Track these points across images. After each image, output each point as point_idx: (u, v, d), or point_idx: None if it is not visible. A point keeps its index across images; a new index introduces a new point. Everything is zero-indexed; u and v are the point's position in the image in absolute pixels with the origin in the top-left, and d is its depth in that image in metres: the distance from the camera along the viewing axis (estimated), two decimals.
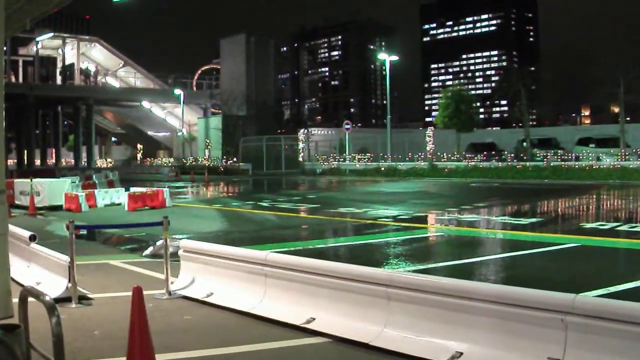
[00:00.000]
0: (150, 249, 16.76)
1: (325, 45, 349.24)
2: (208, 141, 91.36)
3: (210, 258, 12.02)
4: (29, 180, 33.72)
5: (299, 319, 9.71)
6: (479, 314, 7.72)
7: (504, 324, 7.49)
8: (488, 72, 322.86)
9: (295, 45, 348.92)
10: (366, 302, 9.03)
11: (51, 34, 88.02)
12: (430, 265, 15.48)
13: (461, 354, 7.71)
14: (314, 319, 9.56)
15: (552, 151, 58.80)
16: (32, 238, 13.50)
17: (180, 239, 14.02)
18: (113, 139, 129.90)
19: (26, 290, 6.58)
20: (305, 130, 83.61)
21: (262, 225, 26.14)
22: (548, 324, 7.07)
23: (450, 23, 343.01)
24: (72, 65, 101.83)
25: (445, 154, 64.45)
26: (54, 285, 12.02)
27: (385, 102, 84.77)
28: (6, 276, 10.95)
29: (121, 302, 11.20)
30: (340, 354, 8.65)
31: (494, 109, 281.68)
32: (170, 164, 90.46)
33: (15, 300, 7.10)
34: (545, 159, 56.10)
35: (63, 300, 11.55)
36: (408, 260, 16.28)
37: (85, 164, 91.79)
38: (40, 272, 13.01)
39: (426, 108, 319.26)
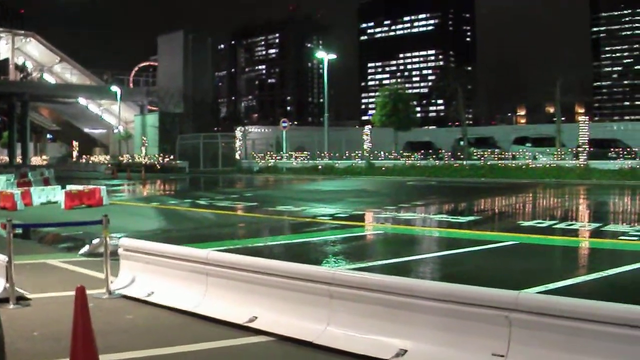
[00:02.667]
0: (87, 247, 16.61)
1: (263, 43, 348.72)
2: (145, 139, 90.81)
3: (150, 257, 11.93)
4: None
5: (241, 317, 9.68)
6: (423, 312, 7.75)
7: (448, 322, 7.54)
8: (425, 72, 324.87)
9: (233, 42, 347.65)
10: (309, 300, 9.03)
11: None
12: (369, 264, 15.49)
13: (405, 351, 7.73)
14: (256, 317, 9.54)
15: (489, 150, 59.29)
16: None
17: (119, 237, 13.90)
18: (48, 135, 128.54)
19: None
20: (243, 128, 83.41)
21: (201, 224, 26.10)
22: (492, 320, 7.14)
23: (388, 22, 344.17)
24: (6, 60, 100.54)
25: (382, 153, 64.76)
26: None
27: (322, 100, 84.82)
28: None
29: (61, 302, 11.08)
30: (283, 353, 8.65)
31: (431, 108, 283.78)
32: (106, 162, 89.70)
33: None
34: (482, 158, 56.58)
35: (1, 301, 11.39)
36: (347, 259, 16.31)
37: (20, 161, 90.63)
38: None
39: (363, 106, 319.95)
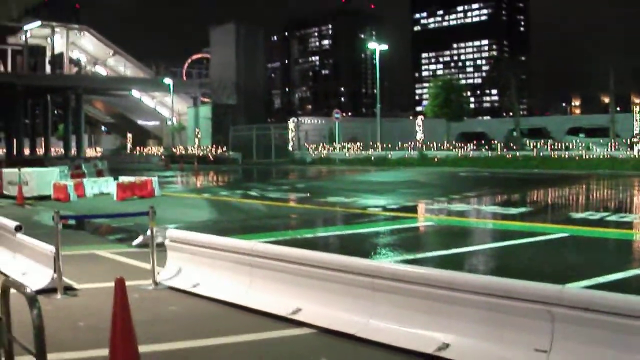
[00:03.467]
0: (140, 238, 16.68)
1: (316, 34, 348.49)
2: (198, 130, 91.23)
3: (196, 248, 11.94)
4: (17, 169, 33.51)
5: (284, 309, 9.65)
6: (466, 305, 7.65)
7: (491, 315, 7.43)
8: (479, 62, 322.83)
9: (286, 34, 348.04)
10: (352, 292, 8.97)
11: (39, 23, 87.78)
12: (418, 256, 15.41)
13: (448, 345, 7.65)
14: (300, 309, 9.50)
15: (542, 141, 58.82)
16: (18, 228, 13.41)
17: (168, 228, 13.94)
18: (103, 128, 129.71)
19: (7, 282, 6.49)
20: (295, 119, 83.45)
21: (251, 215, 26.09)
22: (535, 315, 7.01)
23: (441, 12, 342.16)
24: (61, 54, 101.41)
25: (435, 144, 64.53)
26: (39, 276, 11.97)
27: (375, 91, 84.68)
28: None
29: (107, 293, 11.04)
30: (325, 345, 8.58)
31: (484, 99, 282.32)
32: (159, 153, 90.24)
33: None
34: (535, 149, 56.13)
35: (48, 291, 11.49)
36: (396, 250, 16.23)
37: (75, 153, 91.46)
38: (26, 263, 12.93)
39: (417, 97, 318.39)
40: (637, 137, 51.39)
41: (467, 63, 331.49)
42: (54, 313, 10.36)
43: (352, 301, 8.94)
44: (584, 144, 55.07)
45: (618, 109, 66.69)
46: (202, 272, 11.70)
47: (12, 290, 6.12)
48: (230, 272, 11.08)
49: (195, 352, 8.46)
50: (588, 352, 6.65)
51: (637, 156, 49.19)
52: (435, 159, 59.18)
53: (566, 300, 6.82)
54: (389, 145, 67.04)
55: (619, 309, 6.50)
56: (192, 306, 10.77)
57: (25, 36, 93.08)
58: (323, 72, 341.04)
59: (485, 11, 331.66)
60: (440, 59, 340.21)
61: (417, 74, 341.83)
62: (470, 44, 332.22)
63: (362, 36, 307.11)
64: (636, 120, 52.54)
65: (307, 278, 9.66)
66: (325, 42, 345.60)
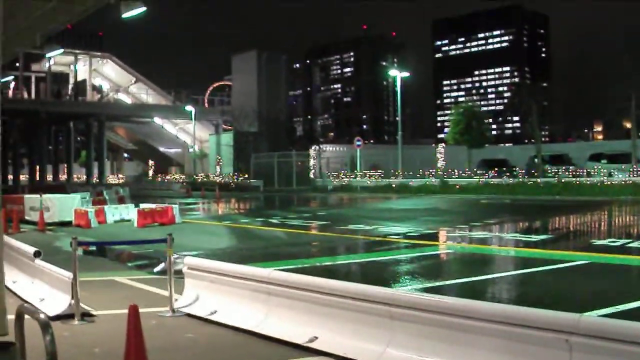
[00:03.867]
0: (162, 265, 16.64)
1: (338, 62, 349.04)
2: (219, 157, 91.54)
3: (214, 275, 11.91)
4: (38, 195, 33.68)
5: (301, 337, 9.59)
6: (482, 334, 7.57)
7: (508, 344, 7.34)
8: (500, 88, 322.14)
9: (308, 61, 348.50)
10: (369, 321, 8.89)
11: (61, 50, 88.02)
12: (438, 283, 15.36)
13: None
14: (316, 337, 9.44)
15: (564, 167, 58.66)
16: (37, 254, 13.44)
17: (186, 255, 13.93)
18: (125, 154, 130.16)
19: (22, 308, 6.49)
20: (317, 147, 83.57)
21: (271, 242, 26.08)
22: (552, 344, 6.91)
23: (462, 39, 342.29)
24: (84, 81, 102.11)
25: (456, 171, 64.49)
26: (57, 302, 11.99)
27: (397, 118, 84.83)
28: (1, 294, 10.84)
29: (124, 319, 11.01)
30: None
31: (505, 125, 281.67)
32: (181, 180, 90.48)
33: (12, 317, 6.98)
34: (556, 176, 55.95)
35: (66, 317, 11.50)
36: (416, 278, 16.18)
37: (97, 179, 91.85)
38: (44, 289, 12.96)
39: (438, 124, 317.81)
40: None
41: (489, 90, 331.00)
42: (70, 339, 10.37)
43: (369, 330, 8.87)
44: (605, 170, 54.89)
45: None
46: (219, 300, 11.67)
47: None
48: (247, 299, 11.04)
49: None
50: None
51: None
52: (457, 186, 59.02)
53: (583, 329, 6.72)
54: (411, 173, 67.00)
55: (638, 337, 6.40)
56: (209, 334, 10.73)
57: (49, 63, 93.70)
58: (345, 99, 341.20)
59: (506, 38, 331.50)
60: (462, 86, 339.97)
61: (438, 101, 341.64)
62: (491, 70, 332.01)
63: (384, 63, 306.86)
64: None
65: (324, 306, 9.61)
66: (347, 69, 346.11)
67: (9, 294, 13.79)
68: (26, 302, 12.56)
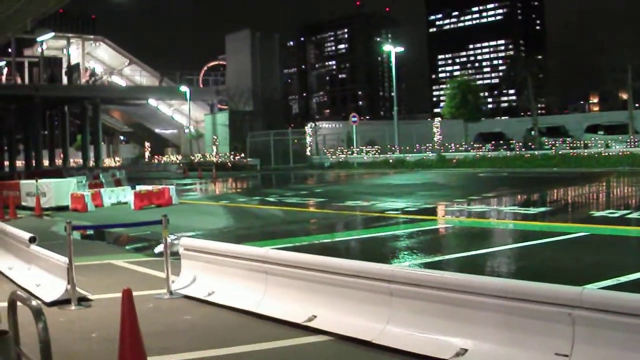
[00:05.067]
0: (161, 246, 16.62)
1: (332, 38, 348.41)
2: (215, 137, 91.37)
3: (210, 256, 11.83)
4: (34, 181, 33.57)
5: (300, 317, 9.51)
6: (484, 310, 7.48)
7: (509, 320, 7.25)
8: (495, 62, 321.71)
9: (302, 39, 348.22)
10: (368, 298, 8.81)
11: (52, 34, 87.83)
12: (437, 258, 15.30)
13: (466, 350, 7.48)
14: (315, 316, 9.36)
15: (561, 139, 58.54)
16: (32, 240, 13.34)
17: (183, 237, 13.84)
18: (121, 137, 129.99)
19: (14, 295, 6.37)
20: (313, 124, 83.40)
21: (269, 221, 26.03)
22: (555, 318, 6.82)
23: (456, 13, 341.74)
24: (77, 65, 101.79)
25: (453, 145, 64.44)
26: (53, 287, 11.92)
27: (392, 94, 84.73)
28: None
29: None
30: (342, 353, 8.43)
31: (501, 99, 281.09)
32: (178, 161, 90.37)
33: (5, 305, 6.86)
34: (553, 148, 55.87)
35: (62, 302, 11.43)
36: (415, 254, 16.09)
37: (93, 163, 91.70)
38: (41, 274, 12.87)
39: (434, 99, 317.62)
40: None
41: (484, 63, 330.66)
42: (67, 324, 10.29)
43: (369, 307, 8.79)
44: (602, 142, 54.80)
45: (637, 105, 66.32)
46: (216, 280, 11.59)
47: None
48: (244, 279, 10.97)
49: None
50: (610, 355, 6.44)
51: None
52: (454, 160, 58.96)
53: (587, 302, 6.62)
54: (407, 148, 66.92)
55: None
56: (207, 315, 10.65)
57: (41, 48, 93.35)
58: (340, 76, 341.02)
59: (500, 11, 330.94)
60: (457, 60, 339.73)
61: (433, 76, 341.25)
62: (486, 44, 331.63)
63: (378, 39, 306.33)
64: None
65: (322, 284, 9.52)
66: (342, 46, 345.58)
67: (4, 280, 13.75)
68: (22, 288, 12.52)
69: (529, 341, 7.03)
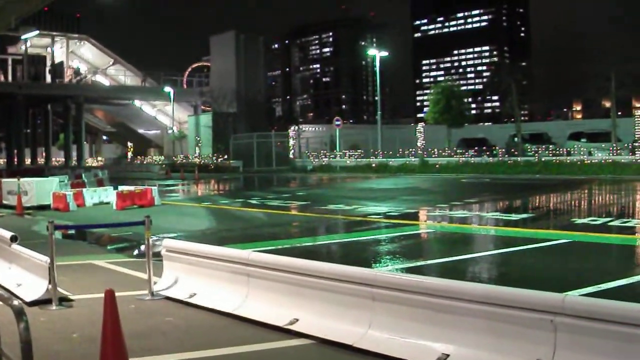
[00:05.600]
0: (143, 247, 16.61)
1: (317, 42, 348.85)
2: (198, 139, 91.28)
3: (193, 258, 11.79)
4: (16, 179, 33.42)
5: (282, 320, 9.49)
6: (466, 315, 7.49)
7: (491, 325, 7.27)
8: (479, 68, 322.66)
9: (287, 42, 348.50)
10: (350, 302, 8.80)
11: (37, 32, 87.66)
12: (419, 263, 15.32)
13: (447, 356, 7.48)
14: (297, 320, 9.34)
15: (544, 146, 58.84)
16: (13, 239, 13.24)
17: (165, 238, 13.81)
18: (104, 137, 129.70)
19: None
20: (296, 127, 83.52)
21: (251, 223, 26.02)
22: (537, 325, 6.84)
23: (442, 19, 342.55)
24: (61, 63, 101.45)
25: (436, 150, 64.60)
26: (34, 287, 11.84)
27: (376, 98, 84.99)
28: None
29: (102, 303, 10.97)
30: (323, 357, 8.41)
31: (485, 105, 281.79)
32: (160, 162, 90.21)
33: None
34: (536, 154, 56.10)
35: (44, 302, 11.36)
36: (397, 258, 16.10)
37: (76, 162, 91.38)
38: (21, 274, 12.77)
39: (418, 104, 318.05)
40: (639, 141, 51.25)
41: (468, 69, 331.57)
42: (48, 324, 10.24)
43: (351, 311, 8.78)
44: (585, 149, 55.07)
45: (619, 113, 66.64)
46: (198, 282, 11.56)
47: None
48: (226, 282, 10.94)
49: None
50: None
51: (639, 160, 49.03)
52: (437, 165, 59.14)
53: (569, 309, 6.64)
54: (390, 152, 67.07)
55: (623, 317, 6.32)
56: (189, 317, 10.61)
57: (25, 45, 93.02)
58: (324, 79, 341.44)
59: (485, 17, 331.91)
60: (441, 66, 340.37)
61: (418, 81, 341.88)
62: (470, 50, 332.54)
63: (363, 44, 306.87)
64: (638, 124, 52.42)
65: (304, 288, 9.50)
66: (326, 49, 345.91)
67: None
68: (3, 287, 12.43)
69: (511, 347, 7.03)
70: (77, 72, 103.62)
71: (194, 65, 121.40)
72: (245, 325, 9.87)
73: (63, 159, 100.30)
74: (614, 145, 54.12)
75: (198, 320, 10.38)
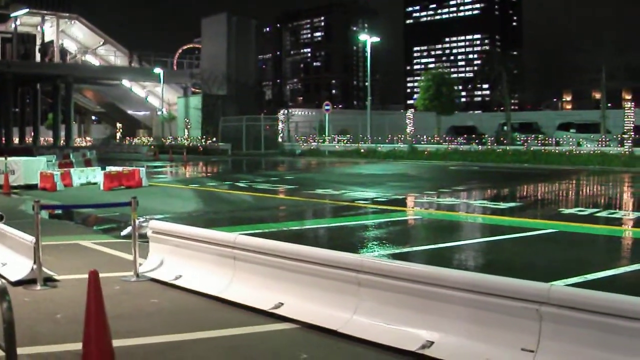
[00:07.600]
0: (129, 229, 16.50)
1: (308, 26, 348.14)
2: (187, 121, 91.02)
3: (179, 240, 11.75)
4: (3, 158, 33.29)
5: (267, 303, 9.46)
6: (451, 302, 7.48)
7: (477, 313, 7.26)
8: (471, 56, 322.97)
9: (278, 25, 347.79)
10: (336, 287, 8.78)
11: (27, 10, 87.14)
12: (406, 250, 15.31)
13: (432, 343, 7.47)
14: (282, 304, 9.32)
15: (533, 135, 58.86)
16: None
17: (151, 219, 13.75)
18: (93, 117, 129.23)
19: None
20: (286, 111, 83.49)
21: (238, 206, 25.98)
22: (522, 314, 6.83)
23: (434, 6, 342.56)
24: (51, 42, 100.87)
25: (425, 137, 64.60)
26: (19, 267, 11.77)
27: (367, 84, 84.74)
28: None
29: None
30: (306, 341, 8.37)
31: (475, 93, 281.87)
32: (149, 143, 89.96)
33: None
34: (525, 144, 56.14)
35: (28, 282, 11.31)
36: (384, 244, 16.09)
37: (64, 142, 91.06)
38: (7, 253, 12.69)
39: (408, 90, 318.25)
40: (628, 133, 51.31)
41: (459, 57, 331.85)
42: (32, 305, 10.19)
43: (336, 296, 8.76)
44: (574, 140, 55.11)
45: (609, 104, 66.71)
46: (184, 264, 11.52)
47: None
48: (212, 264, 10.91)
49: (172, 346, 8.25)
50: (576, 353, 6.46)
51: (627, 152, 49.10)
52: (425, 152, 59.19)
53: (554, 298, 6.64)
54: (379, 138, 67.08)
55: (607, 308, 6.33)
56: (174, 299, 10.57)
57: (15, 24, 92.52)
58: (315, 64, 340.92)
59: (477, 5, 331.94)
60: (432, 53, 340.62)
61: (408, 67, 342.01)
62: (462, 38, 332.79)
63: (355, 29, 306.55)
64: (627, 116, 52.45)
65: (290, 272, 9.48)
66: (318, 34, 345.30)
67: None
68: None
69: (496, 336, 7.03)
70: (66, 51, 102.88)
71: (185, 47, 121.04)
72: (230, 308, 9.84)
73: (51, 139, 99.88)
74: (603, 136, 54.19)
75: (183, 303, 10.35)
